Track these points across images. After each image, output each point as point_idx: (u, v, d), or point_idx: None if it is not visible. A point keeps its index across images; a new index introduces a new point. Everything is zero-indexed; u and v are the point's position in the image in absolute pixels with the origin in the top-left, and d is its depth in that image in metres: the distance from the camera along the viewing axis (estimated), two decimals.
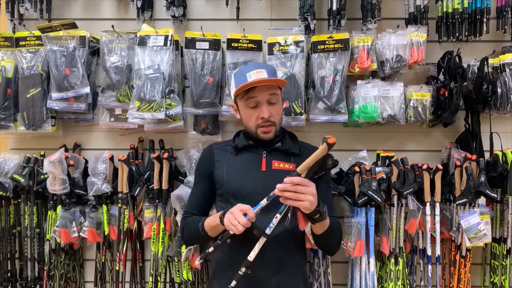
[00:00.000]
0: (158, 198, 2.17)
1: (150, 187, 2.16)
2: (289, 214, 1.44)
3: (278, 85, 1.62)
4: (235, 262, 1.52)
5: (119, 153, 2.26)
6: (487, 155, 2.22)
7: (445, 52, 2.23)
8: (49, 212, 2.21)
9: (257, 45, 2.18)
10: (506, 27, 2.24)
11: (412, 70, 2.24)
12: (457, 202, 2.08)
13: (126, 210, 2.21)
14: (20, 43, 2.20)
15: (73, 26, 2.16)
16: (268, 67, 1.65)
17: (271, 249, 1.53)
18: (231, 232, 1.44)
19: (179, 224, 2.13)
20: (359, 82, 2.16)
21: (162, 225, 2.17)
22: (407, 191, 2.05)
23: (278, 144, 1.67)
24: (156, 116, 2.06)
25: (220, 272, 1.65)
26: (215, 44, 2.17)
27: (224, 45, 2.21)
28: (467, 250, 2.11)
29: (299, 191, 1.38)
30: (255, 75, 1.57)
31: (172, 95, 2.10)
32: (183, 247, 2.11)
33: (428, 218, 2.10)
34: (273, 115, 1.60)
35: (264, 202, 1.45)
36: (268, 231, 1.44)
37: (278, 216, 1.43)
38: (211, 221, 1.56)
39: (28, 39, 2.20)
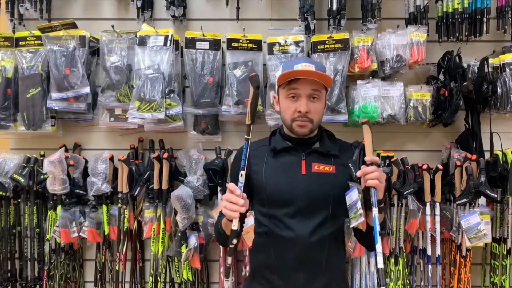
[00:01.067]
0: (158, 198, 2.17)
1: (150, 187, 2.16)
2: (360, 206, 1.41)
3: (324, 83, 1.54)
4: (275, 267, 1.52)
5: (119, 153, 2.26)
6: (487, 155, 2.22)
7: (445, 52, 2.23)
8: (49, 212, 2.21)
9: (257, 45, 2.18)
10: (506, 27, 2.24)
11: (412, 70, 2.24)
12: (457, 202, 2.08)
13: (126, 210, 2.21)
14: (20, 43, 2.20)
15: (73, 26, 2.16)
16: (317, 64, 1.59)
17: (316, 253, 1.50)
18: (233, 227, 1.37)
19: (179, 228, 2.13)
20: (359, 82, 2.16)
21: (162, 225, 2.17)
22: (407, 191, 2.05)
23: (317, 145, 1.60)
24: (156, 116, 2.06)
25: (260, 275, 1.59)
26: (215, 44, 2.17)
27: (224, 45, 2.21)
28: (467, 250, 2.11)
29: (380, 172, 1.38)
30: (303, 67, 1.51)
31: (172, 95, 2.10)
32: (183, 247, 2.11)
33: (428, 218, 2.10)
34: (311, 111, 1.52)
35: (241, 176, 1.39)
36: (378, 227, 1.37)
37: (376, 209, 1.37)
38: (223, 220, 1.51)
39: (28, 39, 2.20)
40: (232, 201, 1.36)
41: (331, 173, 1.54)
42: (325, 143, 1.61)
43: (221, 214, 1.55)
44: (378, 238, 1.35)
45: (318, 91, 1.53)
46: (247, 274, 1.81)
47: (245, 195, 1.39)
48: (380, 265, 1.35)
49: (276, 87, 1.61)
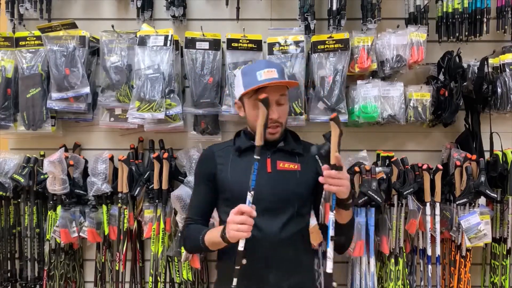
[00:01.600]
0: (158, 198, 2.16)
1: (150, 187, 2.16)
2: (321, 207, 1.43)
3: (289, 86, 1.59)
4: (244, 269, 1.48)
5: (119, 153, 2.26)
6: (487, 155, 2.22)
7: (445, 52, 2.23)
8: (49, 212, 2.21)
9: (257, 45, 2.18)
10: (506, 27, 2.24)
11: (412, 70, 2.24)
12: (457, 202, 2.08)
13: (126, 210, 2.21)
14: (20, 43, 2.20)
15: (73, 26, 2.16)
16: (278, 66, 1.61)
17: (285, 251, 1.51)
18: (241, 248, 1.38)
19: (179, 228, 2.13)
20: (359, 82, 2.16)
21: (162, 225, 2.17)
22: (407, 191, 2.05)
23: (281, 144, 1.64)
24: (156, 116, 2.06)
25: (227, 278, 1.56)
26: (215, 44, 2.17)
27: (224, 45, 2.21)
28: (467, 250, 2.11)
29: (339, 177, 1.37)
30: (266, 74, 1.52)
31: (172, 95, 2.10)
32: (183, 247, 2.11)
33: (428, 218, 2.10)
34: (281, 116, 1.56)
35: (250, 195, 1.41)
36: (332, 232, 1.39)
37: (332, 214, 1.39)
38: (212, 236, 1.50)
39: (28, 39, 2.20)
40: (243, 221, 1.36)
41: (296, 170, 1.57)
42: (289, 142, 1.65)
43: (189, 224, 1.60)
44: (331, 243, 1.37)
45: (284, 94, 1.57)
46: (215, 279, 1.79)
47: (255, 212, 1.39)
48: (329, 270, 1.37)
49: (239, 95, 1.61)
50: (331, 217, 1.39)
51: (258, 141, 1.43)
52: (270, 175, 1.56)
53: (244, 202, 1.44)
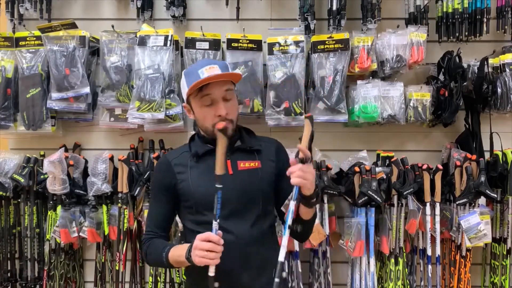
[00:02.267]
0: None
1: (150, 187, 2.16)
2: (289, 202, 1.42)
3: (232, 80, 1.54)
4: (220, 272, 1.44)
5: (119, 153, 2.26)
6: (487, 155, 2.22)
7: (445, 52, 2.23)
8: (49, 212, 2.21)
9: (257, 45, 2.18)
10: (506, 27, 2.24)
11: (412, 70, 2.24)
12: (457, 202, 2.08)
13: (126, 210, 2.21)
14: (20, 43, 2.20)
15: (73, 26, 2.16)
16: (219, 63, 1.56)
17: (256, 251, 1.49)
18: (211, 273, 1.35)
19: (179, 228, 2.12)
20: (359, 82, 2.16)
21: None
22: (407, 191, 2.05)
23: (238, 143, 1.58)
24: (156, 116, 2.06)
25: (199, 282, 1.51)
26: (215, 44, 2.17)
27: (224, 45, 2.21)
28: (467, 250, 2.11)
29: (304, 171, 1.35)
30: (208, 71, 1.47)
31: (172, 95, 2.10)
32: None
33: (428, 218, 2.10)
34: (230, 112, 1.50)
35: (215, 224, 1.37)
36: (290, 222, 1.38)
37: (293, 202, 1.38)
38: (177, 255, 1.45)
39: (28, 39, 2.20)
40: (211, 248, 1.33)
41: (257, 168, 1.54)
42: (245, 140, 1.60)
43: (149, 239, 1.56)
44: (287, 231, 1.37)
45: (230, 90, 1.52)
46: None
47: (222, 241, 1.36)
48: (282, 258, 1.36)
49: (185, 97, 1.57)
50: (291, 206, 1.38)
51: (219, 170, 1.39)
52: (232, 177, 1.50)
53: (208, 209, 1.42)
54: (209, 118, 1.50)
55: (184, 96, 1.58)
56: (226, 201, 1.43)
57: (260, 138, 1.66)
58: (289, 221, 1.38)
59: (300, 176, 1.35)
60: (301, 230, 1.52)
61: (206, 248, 1.34)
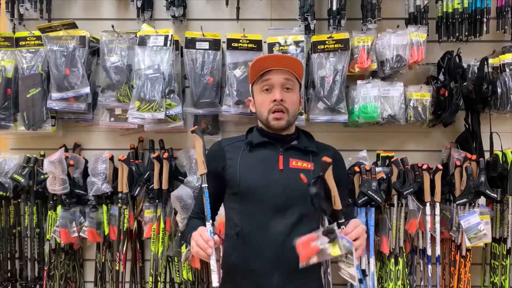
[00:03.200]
0: (158, 198, 2.16)
1: (150, 187, 2.16)
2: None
3: (295, 71, 1.55)
4: (247, 271, 1.48)
5: (119, 153, 2.26)
6: (487, 155, 2.22)
7: (445, 52, 2.23)
8: (49, 212, 2.21)
9: (257, 45, 2.18)
10: (506, 27, 2.24)
11: (412, 70, 2.24)
12: (457, 202, 2.08)
13: (126, 210, 2.21)
14: (20, 43, 2.20)
15: (73, 26, 2.16)
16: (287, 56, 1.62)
17: (288, 253, 1.43)
18: (215, 284, 1.35)
19: (179, 228, 2.14)
20: (359, 82, 2.16)
21: (162, 225, 2.17)
22: (407, 191, 2.05)
23: (295, 142, 1.59)
24: (156, 116, 2.06)
25: (232, 279, 1.56)
26: (215, 44, 2.17)
27: (224, 45, 2.21)
28: (467, 250, 2.11)
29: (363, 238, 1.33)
30: (271, 56, 1.55)
31: (172, 95, 2.10)
32: (183, 247, 2.08)
33: (428, 218, 2.10)
34: (286, 100, 1.51)
35: (208, 224, 1.38)
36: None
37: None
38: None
39: (28, 39, 2.20)
40: (200, 246, 1.34)
41: (310, 169, 1.52)
42: (303, 141, 1.61)
43: (192, 218, 1.60)
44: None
45: (291, 80, 1.54)
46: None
47: (212, 242, 1.35)
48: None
49: (250, 86, 1.61)
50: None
51: (201, 170, 1.40)
52: (281, 172, 1.50)
53: (252, 200, 1.43)
54: (265, 103, 1.53)
55: (250, 88, 1.63)
56: (270, 195, 1.44)
57: (318, 143, 1.66)
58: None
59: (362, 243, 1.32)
60: None
61: (200, 244, 1.34)
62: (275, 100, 1.50)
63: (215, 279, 1.35)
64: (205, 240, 1.34)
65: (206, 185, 1.40)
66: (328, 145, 1.69)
